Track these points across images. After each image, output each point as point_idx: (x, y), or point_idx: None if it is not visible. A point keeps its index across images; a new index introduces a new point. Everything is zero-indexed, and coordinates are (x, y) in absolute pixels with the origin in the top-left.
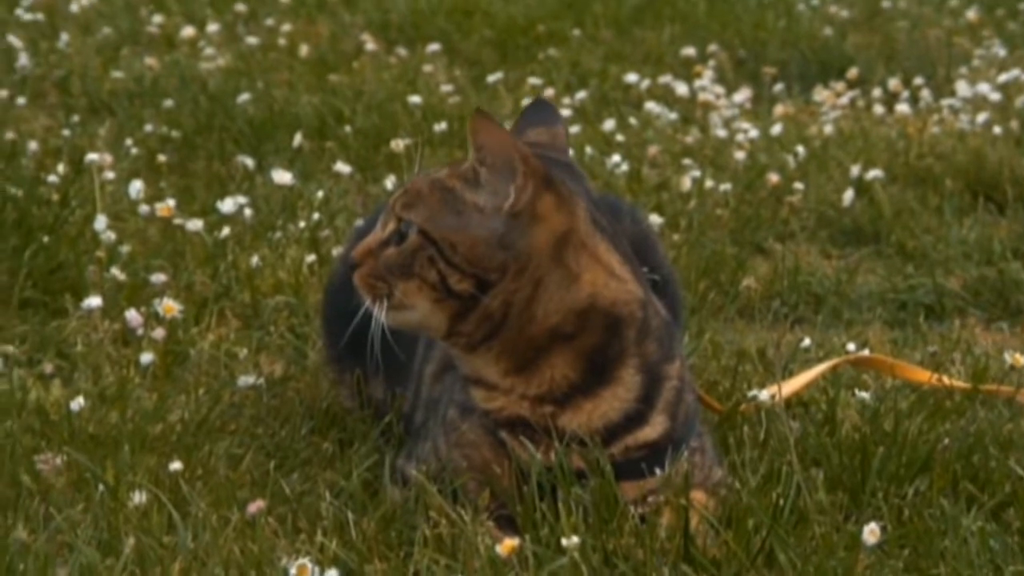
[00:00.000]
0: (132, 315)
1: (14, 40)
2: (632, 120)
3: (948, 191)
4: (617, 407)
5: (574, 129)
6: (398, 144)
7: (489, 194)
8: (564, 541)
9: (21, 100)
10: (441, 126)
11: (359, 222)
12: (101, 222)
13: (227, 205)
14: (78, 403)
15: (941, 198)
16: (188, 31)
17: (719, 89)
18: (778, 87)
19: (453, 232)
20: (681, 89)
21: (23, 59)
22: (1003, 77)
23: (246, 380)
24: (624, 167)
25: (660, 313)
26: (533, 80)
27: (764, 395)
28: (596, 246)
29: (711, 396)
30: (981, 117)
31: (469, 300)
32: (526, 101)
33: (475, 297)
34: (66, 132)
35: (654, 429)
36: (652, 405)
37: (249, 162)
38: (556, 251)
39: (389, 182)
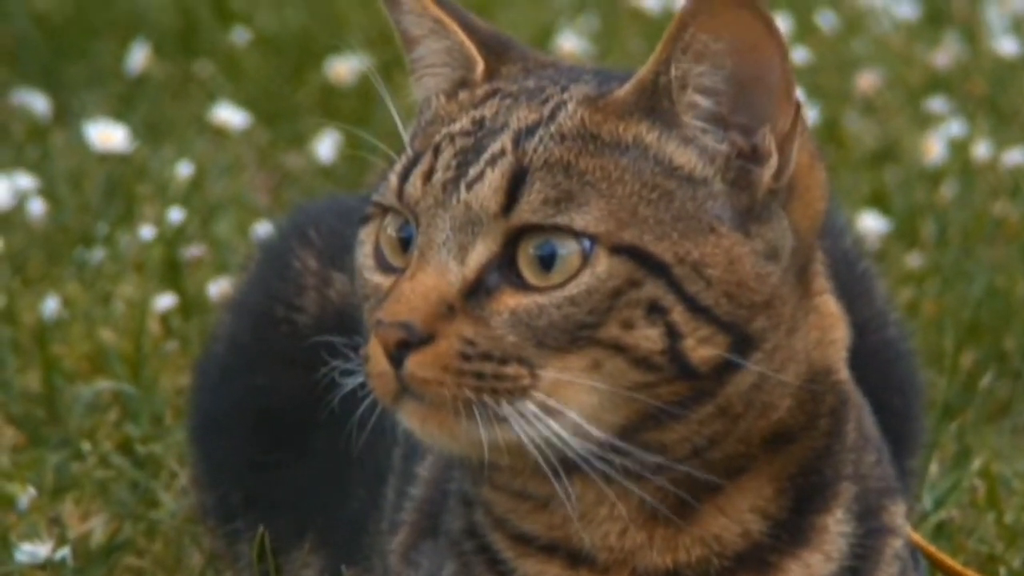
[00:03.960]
0: None
1: None
2: (825, 16)
3: None
4: None
5: None
6: (340, 68)
7: (706, 144)
8: None
9: None
10: None
11: (264, 227)
12: None
13: None
14: None
15: None
16: None
17: None
18: None
19: (691, 240)
20: None
21: None
22: None
23: (32, 551)
24: (810, 112)
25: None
26: None
27: None
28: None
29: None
30: None
31: (709, 382)
32: None
33: (722, 374)
34: None
35: None
36: None
37: (40, 104)
38: (805, 262)
39: (324, 146)
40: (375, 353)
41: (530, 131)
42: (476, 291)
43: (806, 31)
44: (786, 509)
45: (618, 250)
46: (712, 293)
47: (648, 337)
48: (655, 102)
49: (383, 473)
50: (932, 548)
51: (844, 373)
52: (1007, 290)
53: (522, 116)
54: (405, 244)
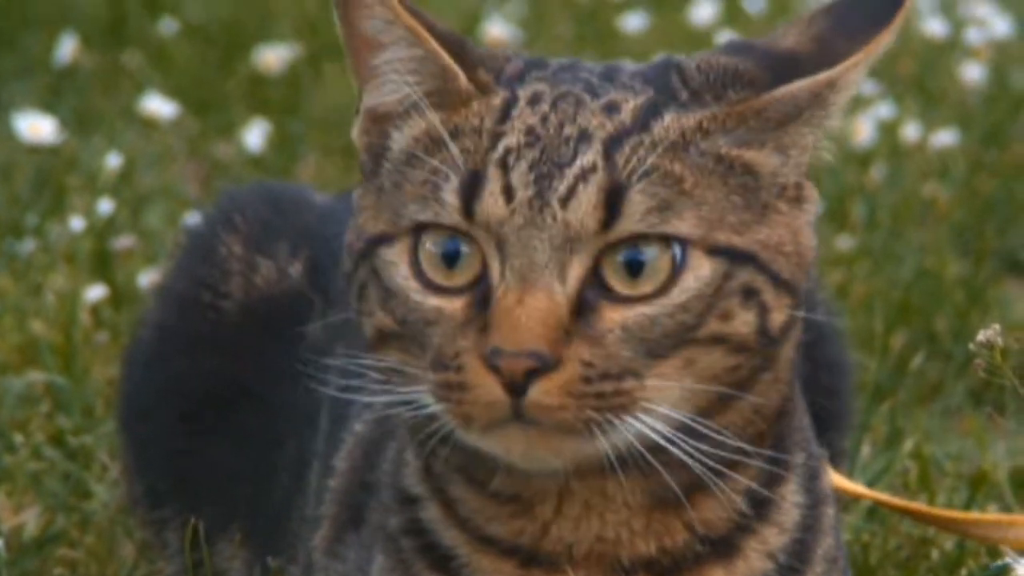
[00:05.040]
0: None
1: None
2: (752, 1)
3: None
4: (759, 570)
5: (635, 22)
6: (269, 57)
7: (804, 149)
8: None
9: None
10: None
11: (193, 217)
12: None
13: None
14: None
15: None
16: None
17: None
18: None
19: (766, 224)
20: None
21: None
22: None
23: None
24: None
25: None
26: None
27: None
28: None
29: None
30: None
31: (777, 345)
32: None
33: (785, 333)
34: None
35: None
36: (807, 560)
37: None
38: None
39: (253, 136)
40: (485, 382)
41: (615, 140)
42: (581, 310)
43: (734, 16)
44: (764, 485)
45: (714, 251)
46: (788, 265)
47: (745, 322)
48: (789, 117)
49: (307, 460)
50: (862, 490)
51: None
52: (937, 271)
53: (594, 124)
54: (450, 262)
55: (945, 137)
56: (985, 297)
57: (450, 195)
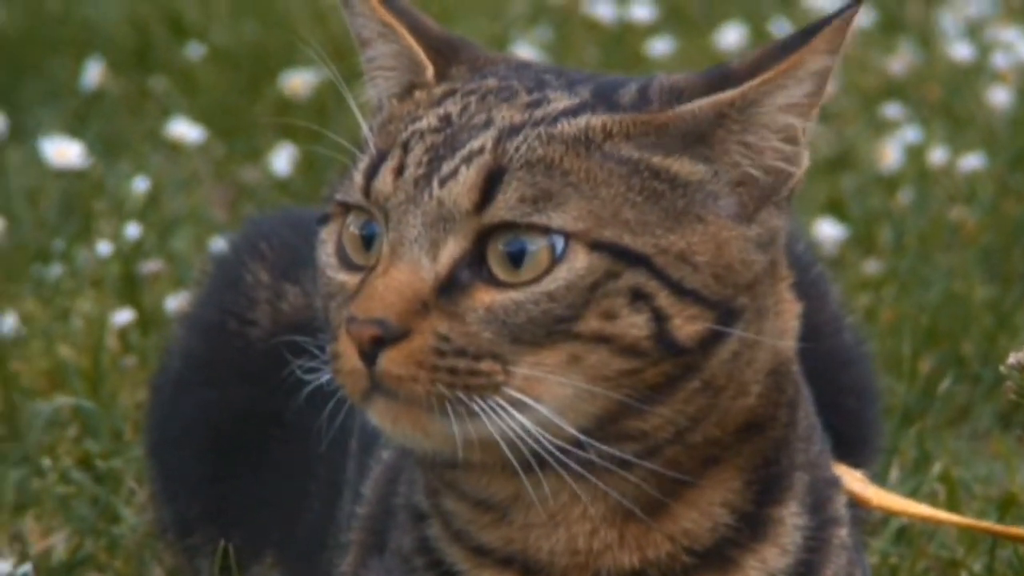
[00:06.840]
0: None
1: None
2: (779, 25)
3: None
4: None
5: (661, 46)
6: (296, 82)
7: (738, 167)
8: None
9: None
10: None
11: (219, 244)
12: None
13: None
14: None
15: None
16: None
17: None
18: None
19: (677, 232)
20: None
21: None
22: None
23: None
24: None
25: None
26: None
27: None
28: None
29: None
30: None
31: (694, 356)
32: None
33: (707, 346)
34: None
35: None
36: None
37: None
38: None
39: (281, 160)
40: (345, 351)
41: (514, 130)
42: (449, 288)
43: (760, 39)
44: (751, 502)
45: (597, 246)
46: (700, 276)
47: (635, 324)
48: (702, 134)
49: (339, 486)
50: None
51: (796, 363)
52: (964, 295)
53: (504, 116)
54: (368, 242)
55: (972, 161)
56: (1013, 320)
57: (359, 175)
